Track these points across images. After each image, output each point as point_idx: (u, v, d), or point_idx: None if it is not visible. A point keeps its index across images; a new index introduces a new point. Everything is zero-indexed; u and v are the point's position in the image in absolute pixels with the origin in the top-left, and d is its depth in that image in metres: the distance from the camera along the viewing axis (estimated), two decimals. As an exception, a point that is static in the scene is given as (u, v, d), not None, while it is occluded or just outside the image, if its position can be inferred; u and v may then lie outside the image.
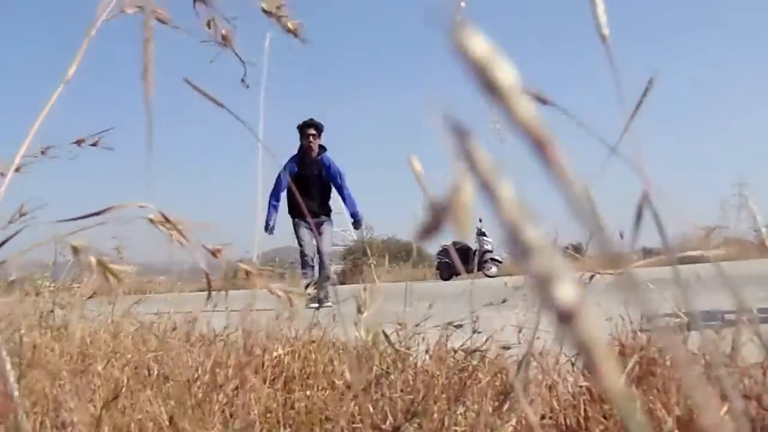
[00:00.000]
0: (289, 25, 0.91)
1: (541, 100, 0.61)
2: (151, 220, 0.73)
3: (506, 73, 0.23)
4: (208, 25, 0.90)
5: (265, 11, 0.90)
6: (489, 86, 0.23)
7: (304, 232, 7.45)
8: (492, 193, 0.23)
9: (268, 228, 7.28)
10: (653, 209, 0.55)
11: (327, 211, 7.70)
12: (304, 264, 7.39)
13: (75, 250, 0.72)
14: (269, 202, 7.32)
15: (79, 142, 0.92)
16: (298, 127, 7.53)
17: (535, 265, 0.22)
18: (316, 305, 6.62)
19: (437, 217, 0.26)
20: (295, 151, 7.57)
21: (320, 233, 7.53)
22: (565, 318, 0.22)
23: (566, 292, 0.22)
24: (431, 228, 0.26)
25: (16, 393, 0.82)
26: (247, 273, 0.79)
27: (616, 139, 0.60)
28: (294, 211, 7.53)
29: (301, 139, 7.51)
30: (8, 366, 0.76)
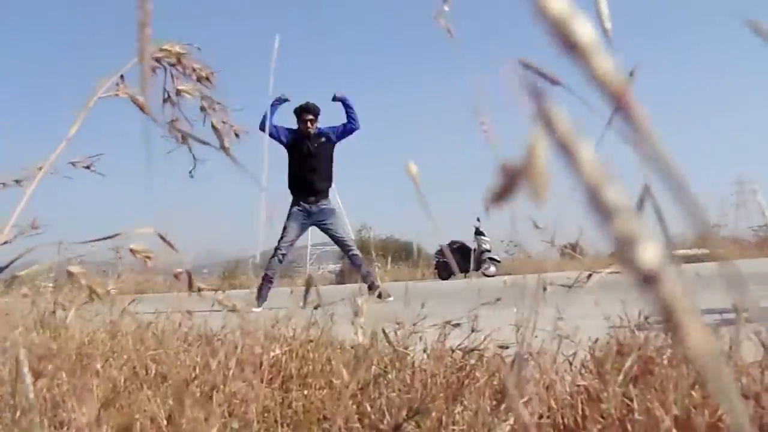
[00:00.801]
0: (226, 143, 1.06)
1: (550, 79, 0.60)
2: (131, 250, 0.87)
3: (585, 30, 0.23)
4: (172, 122, 1.07)
5: (213, 127, 1.07)
6: (569, 43, 0.23)
7: (294, 226, 7.13)
8: (571, 155, 0.23)
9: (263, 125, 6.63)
10: (654, 200, 0.55)
11: (328, 194, 7.35)
12: (273, 259, 7.02)
13: (70, 275, 0.83)
14: (271, 131, 6.98)
15: (74, 164, 1.00)
16: (294, 111, 7.30)
17: (618, 227, 0.22)
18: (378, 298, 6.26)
19: (511, 180, 0.25)
20: (291, 128, 7.36)
21: (328, 224, 7.21)
22: (649, 280, 0.22)
23: (649, 254, 0.22)
24: (504, 192, 0.26)
25: (32, 395, 0.91)
26: (200, 289, 0.97)
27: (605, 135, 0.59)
28: (297, 191, 7.20)
29: (298, 123, 7.29)
30: (26, 369, 0.89)
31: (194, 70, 1.02)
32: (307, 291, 1.04)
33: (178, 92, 1.03)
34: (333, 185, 7.50)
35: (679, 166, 0.23)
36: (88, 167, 1.01)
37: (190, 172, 1.12)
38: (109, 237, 0.81)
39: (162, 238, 0.85)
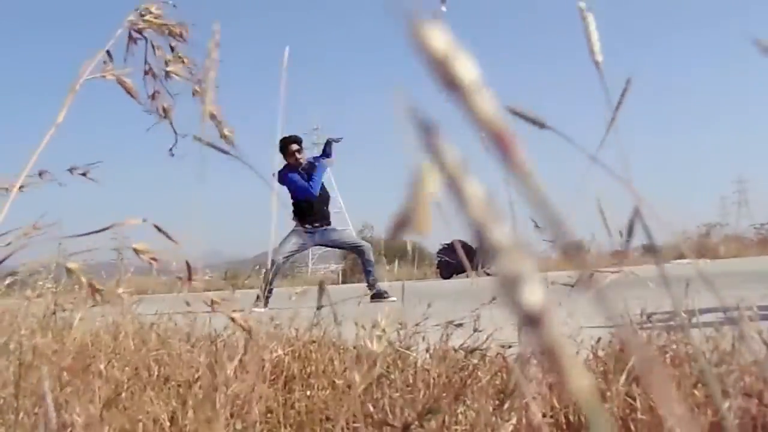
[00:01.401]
0: (225, 131, 1.01)
1: (535, 122, 0.61)
2: (135, 250, 0.84)
3: (466, 69, 0.22)
4: (153, 96, 1.04)
5: (210, 116, 1.00)
6: (449, 82, 0.22)
7: (294, 240, 7.32)
8: (458, 190, 0.22)
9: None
10: (643, 221, 0.56)
11: (328, 207, 7.66)
12: (271, 272, 7.05)
13: (70, 271, 0.80)
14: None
15: (71, 170, 0.98)
16: (280, 148, 7.39)
17: (502, 265, 0.22)
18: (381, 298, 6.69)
19: (404, 215, 0.25)
20: (282, 167, 7.50)
21: (335, 240, 7.47)
22: (532, 321, 0.21)
23: (533, 294, 0.21)
24: (399, 225, 0.25)
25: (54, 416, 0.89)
26: (213, 302, 0.95)
27: (600, 148, 0.60)
28: (300, 218, 7.44)
29: (286, 157, 7.44)
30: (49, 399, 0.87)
31: (166, 26, 0.98)
32: (320, 294, 1.03)
33: (167, 74, 1.00)
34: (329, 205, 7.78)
35: (555, 207, 0.22)
36: (84, 174, 0.99)
37: (170, 149, 1.07)
38: (104, 229, 0.77)
39: (159, 229, 0.81)
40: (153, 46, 1.01)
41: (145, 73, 1.01)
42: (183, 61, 1.01)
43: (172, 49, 1.02)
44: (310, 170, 7.51)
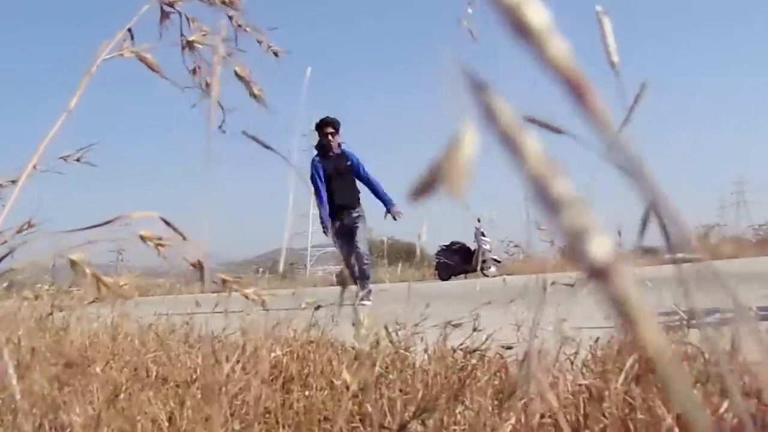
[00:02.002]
0: (255, 90, 0.97)
1: (551, 128, 0.61)
2: (141, 237, 0.77)
3: (537, 13, 0.21)
4: (194, 71, 0.97)
5: (237, 75, 0.96)
6: (520, 27, 0.21)
7: (341, 241, 7.35)
8: (515, 146, 0.22)
9: (326, 228, 7.17)
10: (660, 216, 0.56)
11: (359, 203, 7.57)
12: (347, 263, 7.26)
13: (73, 263, 0.75)
14: (319, 204, 7.24)
15: (65, 158, 0.94)
16: (315, 127, 7.44)
17: (566, 220, 0.21)
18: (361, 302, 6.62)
19: (433, 175, 0.24)
20: (315, 151, 7.51)
21: (354, 232, 7.38)
22: (599, 274, 0.21)
23: (599, 247, 0.21)
24: (425, 187, 0.24)
25: (18, 396, 0.84)
26: (224, 281, 0.84)
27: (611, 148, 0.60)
28: (331, 211, 7.38)
29: (319, 137, 7.43)
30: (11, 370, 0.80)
31: None
32: (343, 289, 1.00)
33: (189, 43, 0.93)
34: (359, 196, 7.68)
35: (639, 153, 0.22)
36: (78, 160, 0.95)
37: (220, 126, 1.00)
38: (107, 222, 0.71)
39: (167, 223, 0.76)
40: (188, 20, 0.94)
41: (182, 47, 0.94)
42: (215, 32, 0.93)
43: (231, 18, 0.95)
44: (343, 159, 7.42)
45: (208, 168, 0.63)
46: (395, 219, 7.49)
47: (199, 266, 0.81)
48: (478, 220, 13.75)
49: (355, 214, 7.46)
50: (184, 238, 0.78)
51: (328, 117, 7.46)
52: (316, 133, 7.47)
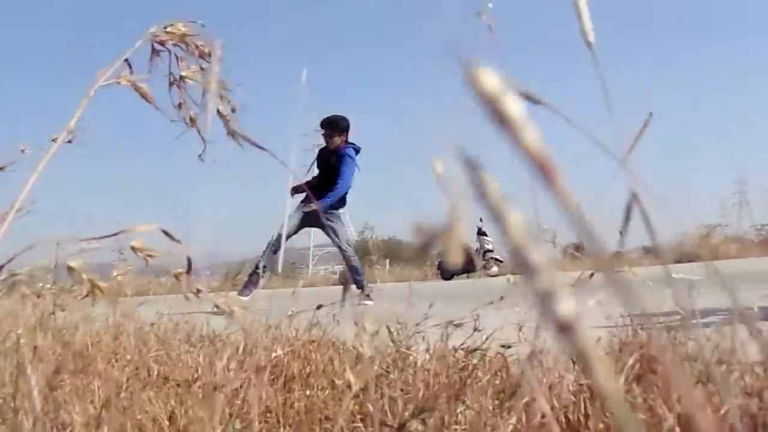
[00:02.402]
0: (234, 128, 1.02)
1: (531, 99, 0.61)
2: (133, 248, 0.83)
3: (515, 106, 0.26)
4: (179, 106, 1.04)
5: (219, 113, 1.01)
6: (499, 117, 0.26)
7: (293, 216, 7.14)
8: (501, 220, 0.26)
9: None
10: (643, 211, 0.56)
11: (341, 204, 7.45)
12: (267, 248, 6.98)
13: (71, 270, 0.80)
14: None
15: (54, 140, 0.96)
16: (321, 125, 7.38)
17: (539, 283, 0.25)
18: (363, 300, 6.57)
19: (428, 240, 0.29)
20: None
21: (331, 228, 7.23)
22: (565, 329, 0.25)
23: (565, 306, 0.25)
24: (423, 248, 0.29)
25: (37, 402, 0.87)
26: (198, 291, 0.92)
27: (608, 144, 0.60)
28: (304, 197, 7.28)
29: (324, 137, 7.39)
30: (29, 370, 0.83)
31: (197, 47, 0.98)
32: (345, 289, 1.01)
33: (182, 78, 1.00)
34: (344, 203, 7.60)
35: (597, 232, 0.27)
36: (70, 141, 0.97)
37: (199, 155, 1.07)
38: (112, 235, 0.78)
39: (167, 234, 0.81)
40: (177, 58, 1.01)
41: (170, 84, 1.02)
42: (202, 69, 1.01)
43: (202, 68, 1.02)
44: (335, 157, 7.31)
45: (203, 158, 0.64)
46: (303, 211, 7.31)
47: (182, 277, 0.88)
48: (480, 220, 13.75)
49: (332, 212, 7.37)
50: (179, 243, 0.83)
51: (325, 118, 7.38)
52: (329, 130, 7.37)
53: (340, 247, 7.19)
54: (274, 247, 7.05)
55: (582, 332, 0.25)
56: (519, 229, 0.26)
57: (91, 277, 0.83)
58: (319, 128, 7.37)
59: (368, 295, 6.88)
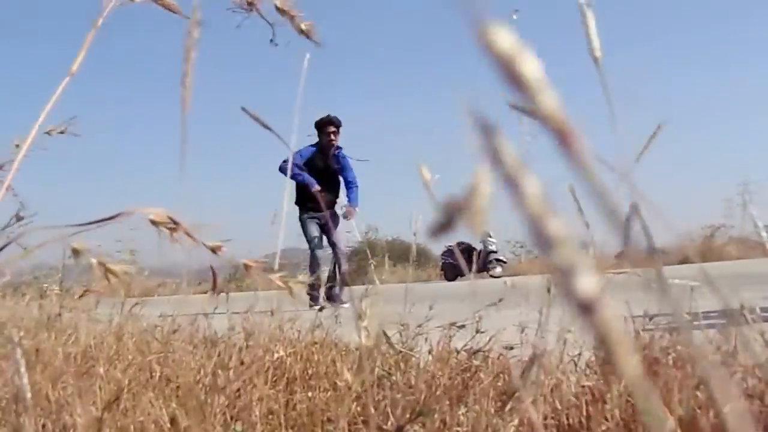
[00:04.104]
0: (302, 26, 0.91)
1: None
2: (153, 221, 0.71)
3: (531, 67, 0.23)
4: None
5: (278, 9, 0.89)
6: (514, 80, 0.23)
7: (314, 229, 7.26)
8: (517, 188, 0.23)
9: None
10: (642, 221, 0.56)
11: (336, 199, 7.53)
12: (314, 265, 7.17)
13: (75, 252, 0.72)
14: (294, 173, 7.03)
15: (49, 132, 0.91)
16: (316, 124, 7.35)
17: (558, 257, 0.23)
18: (328, 304, 6.57)
19: (451, 215, 0.26)
20: (311, 144, 7.44)
21: (331, 229, 7.30)
22: (586, 309, 0.23)
23: (587, 283, 0.23)
24: (444, 226, 0.27)
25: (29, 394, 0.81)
26: (247, 267, 0.77)
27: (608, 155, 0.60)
28: (304, 204, 7.29)
29: (320, 135, 7.36)
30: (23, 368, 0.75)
31: None
32: (341, 288, 0.98)
33: None
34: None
35: (618, 201, 0.24)
36: (62, 132, 0.92)
37: (271, 39, 0.95)
38: (111, 218, 0.68)
39: (174, 221, 0.70)
40: None
41: None
42: None
43: None
44: (336, 161, 7.37)
45: (184, 150, 0.61)
46: (345, 218, 7.45)
47: (220, 251, 0.75)
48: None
49: (331, 214, 7.42)
50: (191, 236, 0.73)
51: (331, 115, 7.39)
52: (316, 131, 7.38)
53: (336, 246, 7.22)
54: (318, 266, 7.13)
55: (604, 311, 0.23)
56: (537, 198, 0.23)
57: (101, 259, 0.72)
58: (323, 126, 7.33)
59: (339, 299, 7.02)
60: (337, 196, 7.54)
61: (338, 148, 7.45)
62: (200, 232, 0.73)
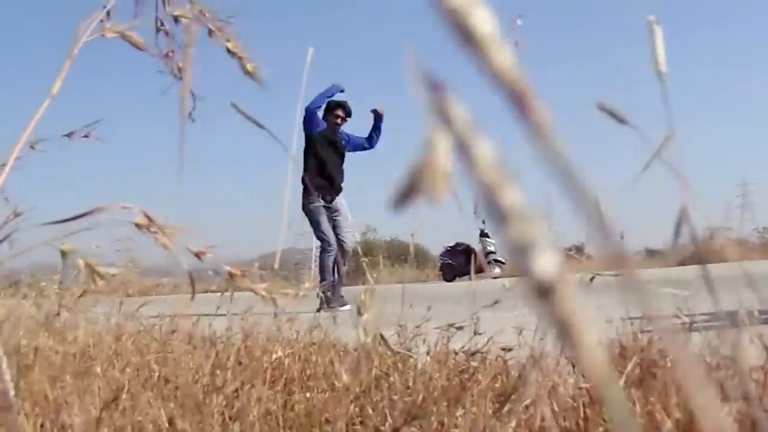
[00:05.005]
0: (248, 67, 0.92)
1: (617, 118, 0.62)
2: (137, 225, 0.70)
3: (483, 21, 0.20)
4: (167, 55, 0.93)
5: (229, 51, 0.90)
6: (464, 35, 0.20)
7: (326, 224, 6.95)
8: (467, 151, 0.20)
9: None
10: (691, 223, 0.56)
11: (341, 189, 7.28)
12: (325, 272, 6.86)
13: (63, 254, 0.72)
14: (317, 98, 6.86)
15: (69, 135, 0.90)
16: (328, 106, 7.09)
17: (512, 231, 0.20)
18: (335, 306, 6.33)
19: (413, 180, 0.23)
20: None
21: (337, 221, 7.06)
22: (543, 291, 0.20)
23: (545, 262, 0.19)
24: (408, 193, 0.23)
25: (12, 392, 0.81)
26: (231, 275, 0.76)
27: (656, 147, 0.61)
28: (317, 186, 6.96)
29: (327, 116, 7.11)
30: (4, 364, 0.74)
31: None
32: (336, 288, 0.98)
33: (176, 18, 0.88)
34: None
35: (579, 168, 0.20)
36: (86, 136, 0.91)
37: (189, 114, 0.94)
38: (86, 214, 0.66)
39: (148, 218, 0.69)
40: (164, 1, 0.89)
41: (157, 30, 0.91)
42: (201, 12, 0.88)
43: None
44: (341, 140, 7.19)
45: (182, 154, 0.60)
46: (380, 113, 7.23)
47: (203, 257, 0.74)
48: (483, 222, 13.73)
49: (338, 201, 7.17)
50: (168, 237, 0.71)
51: (345, 101, 7.17)
52: (325, 112, 7.12)
53: (339, 238, 7.02)
54: (328, 264, 6.97)
55: (565, 296, 0.19)
56: (489, 163, 0.20)
57: (87, 260, 0.72)
58: (332, 109, 7.10)
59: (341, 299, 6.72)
60: (341, 179, 7.27)
61: (339, 132, 7.21)
62: (188, 235, 0.73)
